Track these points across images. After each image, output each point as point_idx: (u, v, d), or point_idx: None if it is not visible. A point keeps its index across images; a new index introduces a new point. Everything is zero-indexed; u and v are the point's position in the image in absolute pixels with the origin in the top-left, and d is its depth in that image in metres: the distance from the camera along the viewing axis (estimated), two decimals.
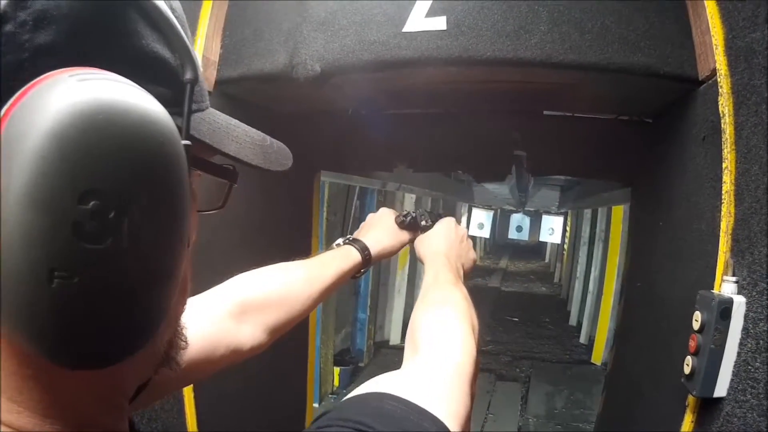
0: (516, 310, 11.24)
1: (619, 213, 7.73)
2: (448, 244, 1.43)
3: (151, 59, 0.54)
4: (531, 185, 6.44)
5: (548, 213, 11.37)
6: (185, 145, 0.52)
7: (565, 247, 14.11)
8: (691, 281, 1.40)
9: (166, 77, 0.55)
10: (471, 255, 1.51)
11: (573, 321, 10.50)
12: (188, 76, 0.56)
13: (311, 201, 2.47)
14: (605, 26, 1.41)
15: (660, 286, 1.66)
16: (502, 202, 11.89)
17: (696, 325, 1.23)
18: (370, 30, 1.50)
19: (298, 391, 2.55)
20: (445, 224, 1.51)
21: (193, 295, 1.19)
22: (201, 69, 0.64)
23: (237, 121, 0.71)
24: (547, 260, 20.65)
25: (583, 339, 9.31)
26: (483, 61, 1.44)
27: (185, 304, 0.67)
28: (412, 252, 1.54)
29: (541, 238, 12.20)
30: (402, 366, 0.92)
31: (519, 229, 12.69)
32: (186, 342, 0.70)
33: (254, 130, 0.73)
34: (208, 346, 1.03)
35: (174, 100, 0.55)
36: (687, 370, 1.25)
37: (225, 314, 1.11)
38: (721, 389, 1.21)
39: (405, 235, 1.54)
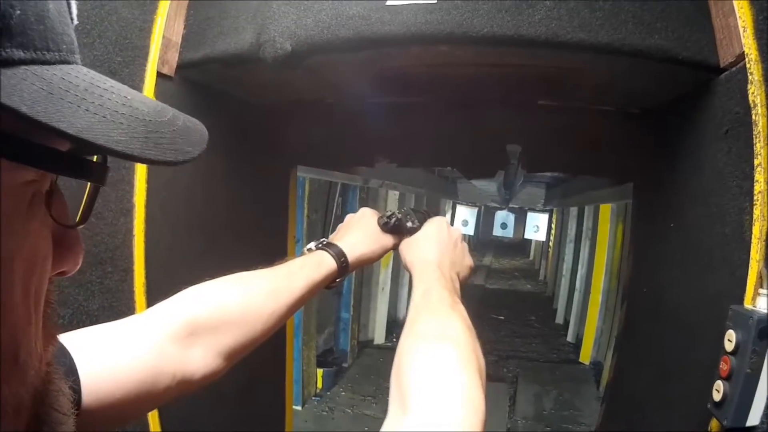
0: (501, 308, 11.19)
1: (607, 210, 7.70)
2: (439, 249, 1.25)
3: None
4: (520, 182, 6.33)
5: (533, 210, 11.38)
6: None
7: (551, 244, 14.11)
8: (712, 291, 1.25)
9: None
10: (467, 261, 1.32)
11: (560, 319, 10.50)
12: None
13: (287, 198, 2.30)
14: (617, 3, 1.25)
15: (671, 295, 1.51)
16: (487, 199, 11.82)
17: (729, 346, 1.07)
18: (348, 3, 1.32)
19: (276, 394, 2.41)
20: (436, 225, 1.33)
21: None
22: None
23: (119, 84, 0.49)
24: (531, 257, 20.71)
25: (570, 337, 9.30)
26: (479, 39, 1.26)
27: (31, 347, 0.48)
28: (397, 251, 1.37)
29: (526, 236, 12.22)
30: (387, 420, 0.75)
31: (504, 226, 12.70)
32: (63, 394, 0.55)
33: (150, 100, 0.52)
34: (148, 377, 0.86)
35: None
36: (717, 396, 1.09)
37: (168, 337, 0.93)
38: (753, 417, 1.05)
39: (388, 239, 1.36)
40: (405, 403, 0.74)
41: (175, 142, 0.51)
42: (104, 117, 0.44)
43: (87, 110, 0.43)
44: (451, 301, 1.02)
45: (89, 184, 0.54)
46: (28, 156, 0.42)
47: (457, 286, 1.19)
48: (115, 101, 0.46)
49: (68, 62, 0.45)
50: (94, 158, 0.51)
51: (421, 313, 0.98)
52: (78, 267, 0.55)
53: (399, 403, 0.77)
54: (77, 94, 0.43)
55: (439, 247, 1.26)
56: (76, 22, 0.49)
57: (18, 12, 0.39)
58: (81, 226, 0.54)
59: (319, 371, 6.72)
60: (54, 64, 0.43)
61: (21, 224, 0.45)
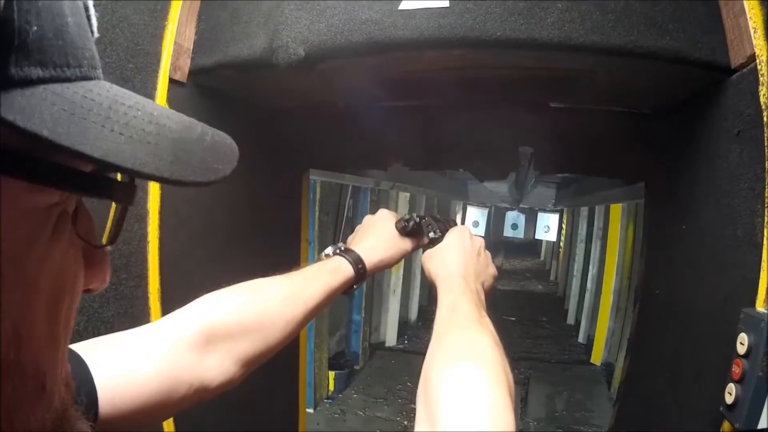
0: (512, 309, 11.15)
1: (618, 210, 7.66)
2: (464, 261, 1.23)
3: None
4: (531, 183, 6.32)
5: (544, 210, 11.38)
6: None
7: (561, 244, 14.06)
8: (724, 294, 1.24)
9: None
10: (491, 270, 1.31)
11: (571, 320, 10.45)
12: None
13: (300, 202, 2.31)
14: (629, 5, 1.24)
15: (684, 296, 1.50)
16: (497, 200, 11.80)
17: (741, 349, 1.06)
18: (361, 7, 1.32)
19: (289, 396, 2.40)
20: (458, 235, 1.31)
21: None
22: (68, 10, 0.41)
23: (144, 99, 0.47)
24: (542, 258, 20.63)
25: (581, 338, 9.25)
26: (492, 43, 1.26)
27: (57, 373, 0.47)
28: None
29: (537, 236, 12.21)
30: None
31: (514, 226, 12.70)
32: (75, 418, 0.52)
33: (178, 115, 0.50)
34: (165, 386, 0.86)
35: None
36: (729, 399, 1.08)
37: (184, 345, 0.92)
38: (765, 420, 1.04)
39: (407, 244, 1.35)
40: (434, 421, 0.73)
41: (205, 160, 0.50)
42: (130, 137, 0.42)
43: (112, 130, 0.41)
44: (479, 316, 1.00)
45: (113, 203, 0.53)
46: (51, 178, 0.40)
47: (483, 297, 1.16)
48: (141, 119, 0.45)
49: (90, 78, 0.43)
50: (118, 176, 0.48)
51: (448, 329, 0.97)
52: (106, 285, 0.54)
53: (427, 421, 0.75)
54: (100, 113, 0.41)
55: (463, 258, 1.24)
56: (96, 35, 0.47)
57: (35, 28, 0.37)
58: (110, 247, 0.53)
59: (331, 374, 6.71)
60: (75, 81, 0.41)
61: (44, 248, 0.43)
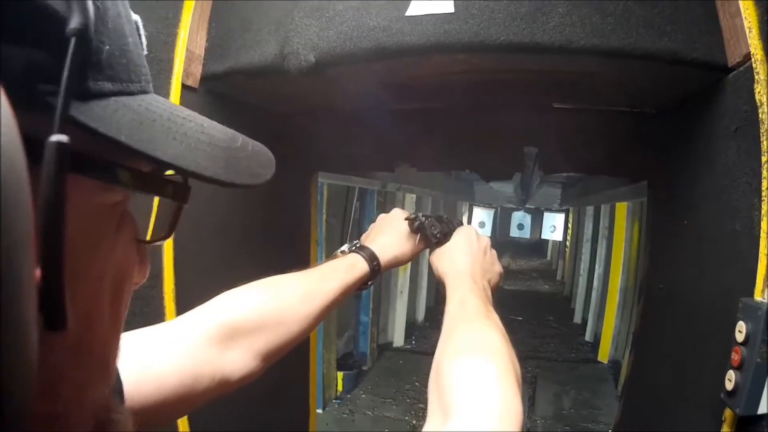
0: (519, 309, 11.12)
1: (623, 209, 7.65)
2: (471, 259, 1.27)
3: (19, 4, 0.35)
4: (537, 183, 6.33)
5: (550, 210, 11.34)
6: (57, 144, 0.35)
7: (568, 244, 14.02)
8: (725, 286, 1.28)
9: (47, 34, 0.37)
10: (497, 268, 1.35)
11: (577, 318, 10.41)
12: (72, 24, 0.36)
13: (309, 204, 2.34)
14: (628, 8, 1.28)
15: (686, 290, 1.53)
16: (503, 200, 11.78)
17: (740, 337, 1.10)
18: (369, 14, 1.36)
19: (300, 397, 2.43)
20: (465, 234, 1.35)
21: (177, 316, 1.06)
22: (128, 32, 0.46)
23: (192, 112, 0.53)
24: (548, 258, 20.56)
25: (588, 337, 9.22)
26: (496, 47, 1.29)
27: (115, 355, 0.52)
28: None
29: (543, 236, 12.18)
30: (428, 423, 0.79)
31: (520, 227, 12.65)
32: (116, 414, 0.54)
33: (221, 126, 0.55)
34: (188, 379, 0.89)
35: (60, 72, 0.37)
36: (729, 386, 1.12)
37: (207, 340, 0.96)
38: (765, 405, 1.08)
39: (419, 242, 1.37)
40: (446, 410, 0.77)
41: (250, 166, 0.56)
42: (189, 145, 0.48)
43: (174, 139, 0.47)
44: (486, 311, 1.05)
45: (156, 200, 0.58)
46: (123, 179, 0.45)
47: (489, 293, 1.21)
48: (195, 129, 0.50)
49: (146, 92, 0.49)
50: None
51: (458, 324, 1.01)
52: (146, 279, 0.59)
53: (440, 410, 0.79)
54: (163, 124, 0.47)
55: (470, 257, 1.28)
56: (146, 52, 0.52)
57: (107, 47, 0.42)
58: (163, 242, 0.59)
59: (340, 374, 6.72)
60: (136, 94, 0.47)
61: (111, 242, 0.48)
